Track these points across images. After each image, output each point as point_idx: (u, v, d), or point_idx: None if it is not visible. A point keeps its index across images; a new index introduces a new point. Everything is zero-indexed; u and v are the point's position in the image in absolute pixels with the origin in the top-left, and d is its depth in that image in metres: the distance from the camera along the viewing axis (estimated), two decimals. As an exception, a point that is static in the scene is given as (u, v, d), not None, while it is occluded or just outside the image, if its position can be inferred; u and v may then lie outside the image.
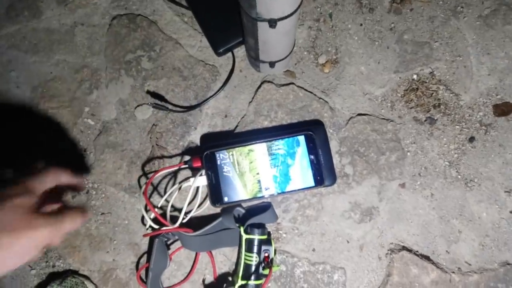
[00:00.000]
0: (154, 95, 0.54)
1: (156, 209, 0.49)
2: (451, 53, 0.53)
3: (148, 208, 0.51)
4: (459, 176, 0.50)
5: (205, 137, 0.53)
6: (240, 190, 0.46)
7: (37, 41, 0.56)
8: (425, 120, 0.52)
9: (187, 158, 0.51)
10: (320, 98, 0.52)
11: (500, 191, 0.50)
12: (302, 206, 0.50)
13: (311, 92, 0.53)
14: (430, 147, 0.51)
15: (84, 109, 0.55)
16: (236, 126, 0.53)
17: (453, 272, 0.48)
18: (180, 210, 0.50)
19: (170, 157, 0.53)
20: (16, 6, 0.57)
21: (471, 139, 0.51)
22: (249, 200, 0.46)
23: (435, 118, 0.52)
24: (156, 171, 0.47)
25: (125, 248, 0.52)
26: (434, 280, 0.48)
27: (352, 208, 0.50)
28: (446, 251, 0.49)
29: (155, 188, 0.52)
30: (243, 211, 0.49)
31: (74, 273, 0.51)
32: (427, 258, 0.48)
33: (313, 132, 0.47)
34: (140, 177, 0.53)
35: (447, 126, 0.52)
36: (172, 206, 0.50)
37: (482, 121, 0.51)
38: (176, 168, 0.48)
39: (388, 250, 0.49)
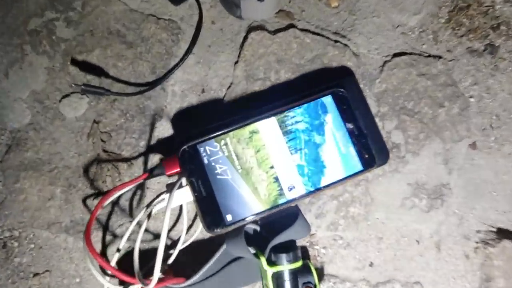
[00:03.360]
0: (87, 75, 0.35)
1: (115, 257, 0.30)
2: (502, -49, 0.38)
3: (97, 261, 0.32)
4: (545, 120, 0.36)
5: (178, 127, 0.35)
6: (249, 199, 0.28)
7: None
8: (484, 50, 0.37)
9: (155, 162, 0.33)
10: (336, 41, 0.36)
11: None
12: (343, 203, 0.33)
13: (321, 35, 0.36)
14: (498, 86, 0.36)
15: (-22, 117, 0.35)
16: (221, 101, 0.35)
17: None
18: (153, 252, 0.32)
19: (129, 165, 0.34)
20: None
21: (550, 66, 0.37)
22: (267, 211, 0.28)
23: (497, 44, 0.37)
24: (103, 197, 0.28)
25: (82, 322, 0.33)
26: (551, 272, 0.33)
27: (414, 192, 0.34)
28: (552, 226, 0.34)
29: (107, 222, 0.33)
30: (257, 227, 0.31)
31: None
32: (533, 242, 0.34)
33: (343, 88, 0.30)
34: (86, 203, 0.34)
35: (515, 53, 0.37)
36: (141, 247, 0.31)
37: (559, 39, 0.37)
38: (136, 183, 0.30)
39: (477, 242, 0.34)
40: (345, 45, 0.36)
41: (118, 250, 0.29)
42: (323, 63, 0.35)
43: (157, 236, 0.34)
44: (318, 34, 0.36)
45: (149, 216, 0.28)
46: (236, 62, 0.35)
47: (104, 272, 0.29)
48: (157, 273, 0.25)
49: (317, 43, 0.35)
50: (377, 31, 0.36)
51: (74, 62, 0.35)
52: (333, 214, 0.34)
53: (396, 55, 0.36)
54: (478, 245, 0.33)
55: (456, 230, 0.34)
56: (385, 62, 0.36)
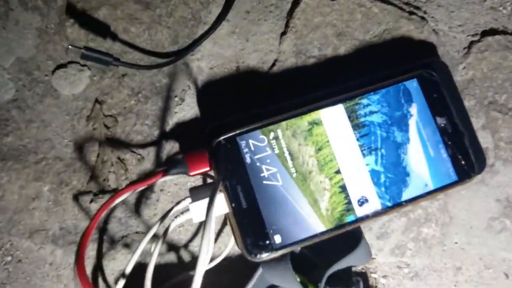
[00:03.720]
0: (90, 41, 0.27)
1: (119, 286, 0.22)
2: None
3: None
4: None
5: (205, 114, 0.27)
6: (305, 215, 0.20)
7: None
8: None
9: (173, 157, 0.25)
10: (411, 13, 0.28)
11: None
12: (414, 222, 0.26)
13: (393, 5, 0.28)
14: None
15: None
16: (262, 83, 0.27)
17: None
18: (174, 266, 0.25)
19: (139, 159, 0.27)
20: None
21: None
22: (329, 232, 0.21)
23: None
24: (106, 203, 0.20)
25: None
26: None
27: (504, 211, 0.26)
28: None
29: (106, 232, 0.26)
30: (297, 251, 0.24)
31: None
32: None
33: (430, 71, 0.23)
34: (81, 206, 0.26)
35: None
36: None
37: None
38: (149, 184, 0.22)
39: None
40: (422, 18, 0.28)
41: (123, 275, 0.21)
42: (392, 40, 0.27)
43: (173, 248, 0.26)
44: (388, 2, 0.28)
45: (165, 232, 0.21)
46: (283, 34, 0.27)
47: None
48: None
49: (387, 14, 0.28)
50: (460, 4, 0.29)
51: (74, 23, 0.27)
52: (400, 235, 0.26)
53: (485, 33, 0.28)
54: None
55: (555, 262, 0.27)
56: (472, 42, 0.28)
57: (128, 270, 0.21)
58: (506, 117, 0.27)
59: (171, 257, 0.27)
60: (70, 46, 0.22)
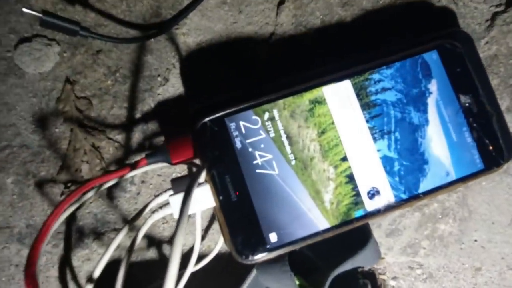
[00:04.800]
0: (59, 10, 0.23)
1: None
2: None
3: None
4: None
5: (191, 96, 0.24)
6: (306, 209, 0.17)
7: None
8: None
9: (154, 144, 0.22)
10: (427, -20, 0.25)
11: None
12: (429, 217, 0.23)
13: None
14: None
15: None
16: (257, 60, 0.24)
17: None
18: (155, 263, 0.22)
19: (116, 147, 0.23)
20: None
21: None
22: (333, 229, 0.18)
23: None
24: (71, 193, 0.17)
25: None
26: None
27: (529, 205, 0.24)
28: None
29: (75, 232, 0.23)
30: (304, 249, 0.21)
31: None
32: None
33: (456, 41, 0.19)
34: (50, 200, 0.23)
35: None
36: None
37: None
38: (125, 174, 0.19)
39: None
40: (439, -13, 0.25)
41: (90, 279, 0.18)
42: (403, 11, 0.24)
43: (152, 243, 0.23)
44: (400, -32, 0.25)
45: (134, 239, 0.17)
46: (281, 3, 0.24)
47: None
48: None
49: (399, -19, 0.24)
50: (481, -29, 0.25)
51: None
52: (413, 231, 0.23)
53: (510, 3, 0.25)
54: None
55: None
56: (496, 14, 0.25)
57: (97, 273, 0.17)
58: (534, 98, 0.24)
59: (153, 255, 0.24)
60: (24, 9, 0.18)
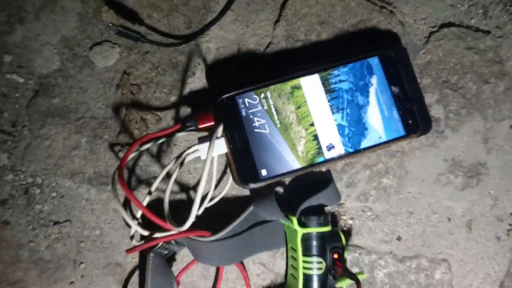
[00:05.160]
0: (121, 23, 0.33)
1: (146, 199, 0.29)
2: None
3: (131, 203, 0.31)
4: None
5: (211, 85, 0.34)
6: (286, 155, 0.27)
7: None
8: (533, 30, 0.35)
9: (187, 115, 0.32)
10: (382, 7, 0.34)
11: None
12: (376, 174, 0.32)
13: (367, 0, 0.34)
14: (545, 68, 0.35)
15: (4, 59, 0.34)
16: (258, 61, 0.33)
17: None
18: (184, 202, 0.32)
19: (157, 119, 0.33)
20: None
21: None
22: (304, 169, 0.27)
23: (547, 25, 0.35)
24: (134, 142, 0.27)
25: (100, 274, 0.32)
26: None
27: (449, 169, 0.33)
28: None
29: (133, 172, 0.33)
30: (281, 190, 0.31)
31: (19, 325, 0.31)
32: None
33: (391, 50, 0.29)
34: (111, 154, 0.33)
35: None
36: (165, 197, 0.30)
37: None
38: (168, 133, 0.29)
39: (510, 224, 0.33)
40: (391, 12, 0.34)
41: (149, 193, 0.28)
42: (366, 29, 0.34)
43: (184, 189, 0.33)
44: (363, -2, 0.34)
45: (181, 164, 0.27)
46: (277, 22, 0.34)
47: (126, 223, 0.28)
48: (193, 216, 0.24)
49: (362, 8, 0.34)
50: (425, 1, 0.35)
51: (108, 9, 0.34)
52: (364, 184, 0.32)
53: (444, 25, 0.34)
54: (510, 227, 0.32)
55: (489, 211, 0.33)
56: (431, 33, 0.34)
57: (153, 188, 0.27)
58: (455, 93, 0.33)
59: (182, 197, 0.33)
60: (110, 24, 0.29)
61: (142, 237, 0.31)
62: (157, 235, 0.27)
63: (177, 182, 0.33)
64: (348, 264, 0.32)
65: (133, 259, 0.32)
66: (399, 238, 0.32)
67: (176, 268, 0.32)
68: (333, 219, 0.32)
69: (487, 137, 0.33)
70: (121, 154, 0.33)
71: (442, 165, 0.33)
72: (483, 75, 0.34)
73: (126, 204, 0.33)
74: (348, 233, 0.32)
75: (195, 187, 0.33)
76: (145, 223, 0.31)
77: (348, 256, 0.32)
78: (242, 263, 0.31)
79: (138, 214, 0.30)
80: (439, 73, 0.34)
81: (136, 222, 0.27)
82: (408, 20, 0.34)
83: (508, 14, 0.35)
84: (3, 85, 0.33)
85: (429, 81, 0.33)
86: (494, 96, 0.34)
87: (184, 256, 0.32)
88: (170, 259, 0.31)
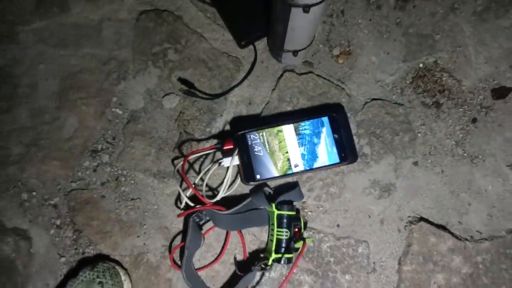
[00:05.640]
0: (182, 83, 0.57)
1: (189, 189, 0.51)
2: (451, 44, 0.59)
3: (182, 187, 0.53)
4: (465, 154, 0.55)
5: (233, 123, 0.56)
6: (271, 168, 0.49)
7: (64, 36, 0.58)
8: (432, 104, 0.57)
9: (215, 142, 0.54)
10: (337, 85, 0.57)
11: (502, 165, 0.55)
12: (326, 185, 0.54)
13: (328, 80, 0.57)
14: (438, 128, 0.56)
15: (112, 99, 0.57)
16: (261, 112, 0.56)
17: (467, 240, 0.52)
18: (212, 190, 0.53)
19: (198, 141, 0.55)
20: (45, 2, 0.59)
21: (474, 120, 0.56)
22: (280, 177, 0.49)
23: (441, 102, 0.57)
24: (192, 152, 0.50)
25: (155, 233, 0.53)
26: (451, 247, 0.52)
27: (371, 185, 0.54)
28: (459, 221, 0.53)
29: (181, 171, 0.54)
30: (271, 190, 0.52)
31: (105, 258, 0.52)
32: (443, 227, 0.52)
33: (336, 113, 0.51)
34: (172, 161, 0.55)
35: (452, 109, 0.57)
36: (202, 186, 0.52)
37: (482, 104, 0.57)
38: (208, 151, 0.51)
39: (406, 222, 0.53)
40: (343, 88, 0.57)
41: (194, 183, 0.49)
42: (326, 97, 0.56)
43: (212, 183, 0.54)
44: (326, 79, 0.57)
45: (219, 164, 0.49)
46: (273, 89, 0.57)
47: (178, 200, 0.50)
48: (219, 197, 0.46)
49: (325, 85, 0.57)
50: (364, 82, 0.57)
51: (175, 76, 0.57)
52: (318, 190, 0.53)
53: (374, 99, 0.57)
54: (406, 224, 0.53)
55: (395, 213, 0.53)
56: (366, 102, 0.56)
57: (197, 180, 0.49)
58: (378, 140, 0.55)
59: (209, 193, 0.54)
60: (180, 89, 0.52)
61: (188, 207, 0.52)
62: (197, 206, 0.48)
63: (208, 179, 0.54)
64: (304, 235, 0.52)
65: (176, 225, 0.53)
66: (338, 225, 0.53)
67: (203, 231, 0.52)
68: (297, 211, 0.53)
69: (396, 168, 0.54)
70: (175, 161, 0.55)
71: (367, 183, 0.54)
72: (396, 130, 0.55)
73: (178, 191, 0.54)
74: (307, 220, 0.53)
75: (218, 187, 0.54)
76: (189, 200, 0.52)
77: (305, 233, 0.52)
78: (241, 232, 0.52)
79: (188, 192, 0.52)
80: (369, 127, 0.55)
81: (187, 197, 0.49)
82: (353, 94, 0.57)
83: (416, 94, 0.57)
84: (109, 115, 0.56)
85: (363, 131, 0.55)
86: (402, 143, 0.55)
87: (206, 227, 0.53)
88: (200, 225, 0.52)
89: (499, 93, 0.57)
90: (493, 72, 0.58)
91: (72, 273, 0.51)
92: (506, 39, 0.58)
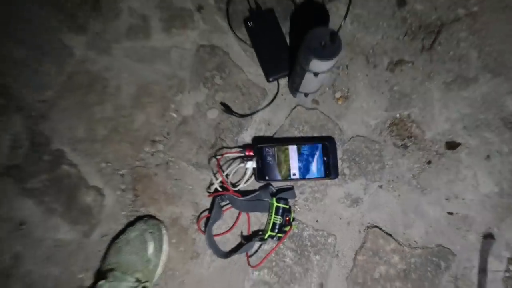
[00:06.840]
0: (222, 103, 0.78)
1: (219, 178, 0.73)
2: (423, 103, 0.79)
3: (214, 175, 0.75)
4: (418, 186, 0.76)
5: (254, 138, 0.78)
6: (276, 174, 0.70)
7: (144, 55, 0.80)
8: (400, 145, 0.78)
9: (242, 151, 0.76)
10: (334, 121, 0.78)
11: (442, 198, 0.75)
12: (313, 191, 0.75)
13: (328, 116, 0.78)
14: (402, 164, 0.77)
15: (171, 106, 0.79)
16: (275, 132, 0.77)
17: (405, 246, 0.73)
18: (233, 184, 0.75)
19: (228, 147, 0.77)
20: (134, 28, 0.81)
21: (429, 162, 0.77)
22: (282, 181, 0.70)
23: (408, 144, 0.78)
24: (226, 152, 0.72)
25: (189, 205, 0.75)
26: (393, 249, 0.73)
27: (345, 197, 0.75)
28: (403, 232, 0.74)
29: (217, 165, 0.76)
30: (274, 189, 0.73)
31: (153, 217, 0.75)
32: (390, 235, 0.73)
33: (328, 143, 0.72)
34: (209, 158, 0.77)
35: (415, 151, 0.77)
36: (228, 178, 0.74)
37: (437, 151, 0.77)
38: (235, 154, 0.73)
39: (365, 227, 0.74)
40: (337, 123, 0.78)
41: (227, 175, 0.72)
42: (324, 129, 0.77)
43: (235, 178, 0.76)
44: (327, 115, 0.78)
45: (244, 163, 0.71)
46: (287, 117, 0.78)
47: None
48: (239, 187, 0.68)
49: (325, 119, 0.78)
50: (354, 122, 0.78)
51: (219, 95, 0.79)
52: (307, 194, 0.75)
53: (358, 135, 0.77)
54: (365, 228, 0.74)
55: (359, 219, 0.74)
56: (352, 137, 0.77)
57: (226, 172, 0.71)
58: (355, 165, 0.76)
59: (232, 188, 0.76)
60: (222, 104, 0.74)
61: (216, 190, 0.74)
62: (223, 191, 0.70)
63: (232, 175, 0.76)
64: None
65: (203, 202, 0.75)
66: (317, 221, 0.74)
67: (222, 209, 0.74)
68: (290, 207, 0.74)
69: (365, 187, 0.75)
70: (212, 159, 0.77)
71: (342, 194, 0.75)
72: (370, 160, 0.76)
73: (211, 178, 0.76)
74: (296, 213, 0.74)
75: (239, 181, 0.76)
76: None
77: (294, 223, 0.74)
78: (248, 214, 0.74)
79: (217, 181, 0.74)
80: (351, 155, 0.76)
81: (217, 182, 0.71)
82: (344, 129, 0.78)
83: (390, 136, 0.78)
84: (168, 117, 0.78)
85: (346, 157, 0.76)
86: (373, 170, 0.76)
87: (225, 208, 0.75)
88: (221, 205, 0.74)
89: (451, 145, 0.77)
90: (450, 129, 0.78)
91: (131, 224, 0.74)
92: (464, 106, 0.78)
